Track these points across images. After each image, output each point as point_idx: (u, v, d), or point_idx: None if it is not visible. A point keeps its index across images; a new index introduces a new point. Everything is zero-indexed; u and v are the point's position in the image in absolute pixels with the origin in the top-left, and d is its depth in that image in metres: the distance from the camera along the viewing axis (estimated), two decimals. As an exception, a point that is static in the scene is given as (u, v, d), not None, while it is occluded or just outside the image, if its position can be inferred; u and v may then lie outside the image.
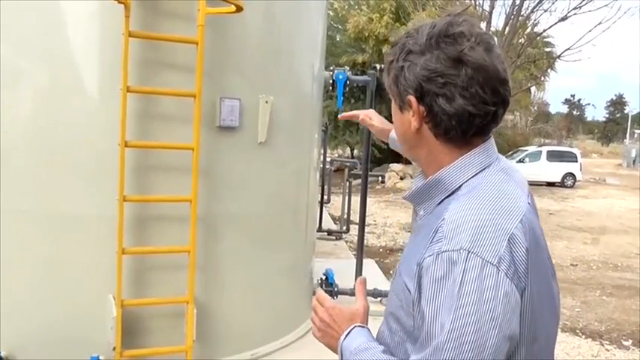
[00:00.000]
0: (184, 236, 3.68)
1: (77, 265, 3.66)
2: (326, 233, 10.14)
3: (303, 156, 4.79)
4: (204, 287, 3.92)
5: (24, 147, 3.60)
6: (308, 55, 4.81)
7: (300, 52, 4.63)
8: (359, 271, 5.53)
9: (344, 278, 5.54)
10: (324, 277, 5.45)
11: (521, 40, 16.02)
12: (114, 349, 3.53)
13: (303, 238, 4.93)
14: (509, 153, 27.84)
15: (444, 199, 1.27)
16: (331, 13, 25.22)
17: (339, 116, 2.35)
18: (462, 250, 1.10)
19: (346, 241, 10.19)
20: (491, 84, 1.20)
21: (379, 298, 5.53)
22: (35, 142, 3.60)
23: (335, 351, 1.40)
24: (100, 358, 3.61)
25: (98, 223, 3.59)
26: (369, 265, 7.43)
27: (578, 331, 5.77)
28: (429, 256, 1.14)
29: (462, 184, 1.26)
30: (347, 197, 10.69)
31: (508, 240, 1.13)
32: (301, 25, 4.58)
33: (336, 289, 5.44)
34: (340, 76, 5.21)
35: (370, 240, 10.98)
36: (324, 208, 11.63)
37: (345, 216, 10.65)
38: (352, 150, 30.28)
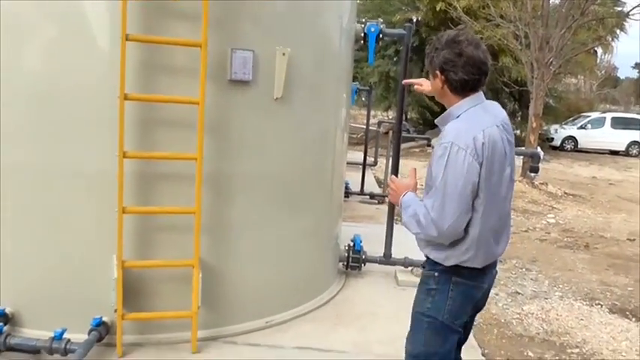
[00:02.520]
0: (192, 197, 3.46)
1: (81, 223, 3.52)
2: (368, 197, 9.83)
3: (327, 115, 4.47)
4: (213, 250, 3.72)
5: (25, 98, 3.43)
6: (335, 5, 4.44)
7: (325, 1, 4.26)
8: (389, 236, 5.22)
9: (377, 244, 5.26)
10: (351, 244, 5.18)
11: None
12: (115, 311, 3.39)
13: (326, 201, 4.65)
14: (571, 119, 26.55)
15: (451, 122, 2.43)
16: (386, -31, 24.36)
17: (403, 81, 3.30)
18: (449, 142, 2.29)
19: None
20: (477, 65, 2.38)
21: (410, 268, 5.23)
22: (36, 94, 3.42)
23: (397, 205, 2.60)
24: (104, 319, 3.49)
25: (101, 180, 3.42)
26: (405, 231, 7.10)
27: (628, 312, 5.31)
28: (437, 146, 2.33)
29: (460, 114, 2.42)
30: (392, 160, 10.29)
31: (473, 138, 2.28)
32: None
33: (363, 257, 5.16)
34: (372, 29, 4.81)
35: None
36: (368, 170, 11.34)
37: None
38: (405, 112, 29.63)
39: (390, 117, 28.82)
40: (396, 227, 5.64)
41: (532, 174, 11.92)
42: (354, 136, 21.72)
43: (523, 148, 13.59)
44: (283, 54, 3.75)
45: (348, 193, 9.79)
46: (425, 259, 2.59)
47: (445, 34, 2.43)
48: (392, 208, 5.31)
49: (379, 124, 13.26)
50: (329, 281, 4.79)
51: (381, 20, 5.03)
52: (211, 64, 3.48)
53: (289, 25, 3.89)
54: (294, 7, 3.92)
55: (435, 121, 2.54)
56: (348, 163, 11.37)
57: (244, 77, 3.64)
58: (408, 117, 29.29)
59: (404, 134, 16.26)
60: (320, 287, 4.60)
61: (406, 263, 5.19)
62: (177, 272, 3.58)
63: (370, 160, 12.59)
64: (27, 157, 3.45)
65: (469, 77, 2.37)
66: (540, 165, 17.74)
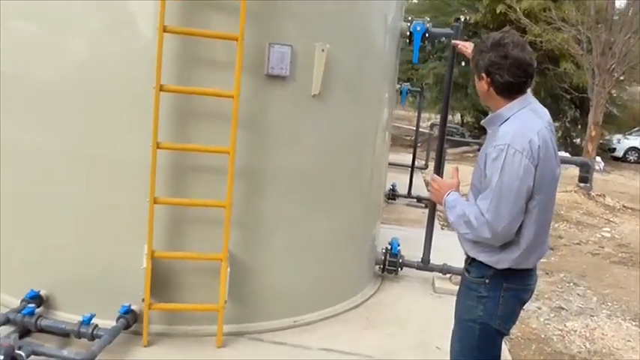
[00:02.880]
0: (225, 190, 3.44)
1: (116, 211, 3.56)
2: (415, 200, 9.67)
3: (366, 113, 4.38)
4: (244, 245, 3.71)
5: (69, 86, 3.49)
6: (379, 3, 4.35)
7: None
8: (428, 241, 5.09)
9: (418, 249, 5.14)
10: (389, 247, 5.07)
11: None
12: (143, 300, 3.41)
13: (363, 201, 4.56)
14: (635, 129, 25.45)
15: (501, 124, 2.41)
16: (446, -30, 23.98)
17: (452, 42, 3.94)
18: (505, 144, 2.29)
19: (437, 211, 9.66)
20: (523, 67, 2.37)
21: (448, 275, 5.08)
22: (78, 84, 3.48)
23: (440, 204, 2.59)
24: (133, 307, 3.52)
25: (136, 170, 3.44)
26: (447, 237, 6.92)
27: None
28: (491, 148, 2.33)
29: (509, 117, 2.41)
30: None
31: (529, 141, 2.29)
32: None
33: (400, 261, 5.05)
34: (418, 28, 4.69)
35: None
36: (418, 173, 11.14)
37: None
38: (462, 116, 29.06)
39: (445, 120, 28.42)
40: (438, 232, 5.51)
41: (581, 184, 11.49)
42: (408, 138, 21.49)
43: (570, 156, 13.13)
44: (322, 50, 3.69)
45: (395, 196, 9.67)
46: (466, 263, 2.58)
47: (490, 37, 2.44)
48: (432, 212, 5.18)
49: (432, 126, 13.03)
50: (363, 283, 4.70)
51: (427, 19, 4.90)
52: (249, 58, 3.45)
53: (330, 22, 3.83)
54: (335, 4, 3.86)
55: (482, 122, 2.57)
56: (397, 165, 11.41)
57: (281, 72, 3.60)
58: (465, 121, 28.78)
59: (457, 138, 15.96)
60: (352, 289, 4.52)
61: (444, 270, 5.04)
62: (207, 265, 3.57)
63: (421, 162, 12.40)
64: (68, 143, 3.52)
65: (515, 80, 2.37)
66: (599, 175, 17.13)
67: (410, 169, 10.18)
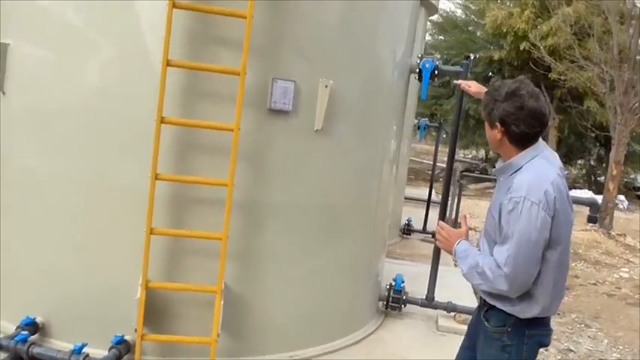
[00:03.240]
0: (222, 222, 3.46)
1: (114, 241, 3.59)
2: (430, 235, 9.57)
3: (371, 148, 4.39)
4: (241, 278, 3.70)
5: (73, 115, 3.57)
6: (389, 38, 4.40)
7: (377, 34, 4.23)
8: (433, 278, 5.02)
9: (425, 285, 5.08)
10: (393, 283, 5.02)
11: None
12: (135, 330, 3.41)
13: (367, 236, 4.55)
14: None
15: (513, 173, 2.43)
16: (472, 7, 24.13)
17: (455, 82, 3.67)
18: (521, 197, 2.29)
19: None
20: (538, 117, 2.38)
21: (453, 313, 5.00)
22: (84, 112, 3.55)
23: (450, 253, 2.62)
24: (126, 337, 3.52)
25: (135, 200, 3.47)
26: (454, 274, 6.82)
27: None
28: (506, 200, 2.33)
29: (522, 165, 2.42)
30: (455, 199, 10.01)
31: (544, 192, 2.29)
32: (381, 4, 4.15)
33: (404, 297, 4.99)
34: (427, 65, 4.72)
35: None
36: (435, 208, 11.04)
37: (453, 219, 9.97)
38: (487, 152, 28.92)
39: (466, 155, 28.28)
40: (445, 269, 5.44)
41: (590, 224, 11.27)
42: (429, 172, 21.39)
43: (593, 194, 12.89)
44: (326, 86, 3.72)
45: (410, 231, 9.58)
46: (483, 310, 2.57)
47: (504, 86, 2.44)
48: (438, 248, 5.12)
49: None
50: (364, 319, 4.65)
51: (437, 56, 4.93)
52: (252, 93, 3.50)
53: (335, 58, 3.87)
54: (341, 40, 3.91)
55: (494, 171, 2.59)
56: (415, 200, 11.33)
57: (284, 107, 3.64)
58: (488, 157, 28.63)
59: (477, 174, 15.84)
60: (354, 325, 4.47)
61: (449, 308, 4.96)
62: (202, 297, 3.57)
63: (439, 198, 12.31)
64: (69, 170, 3.58)
65: (530, 130, 2.39)
66: (622, 214, 16.78)
67: (426, 203, 10.10)
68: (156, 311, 3.53)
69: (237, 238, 3.58)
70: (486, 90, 2.54)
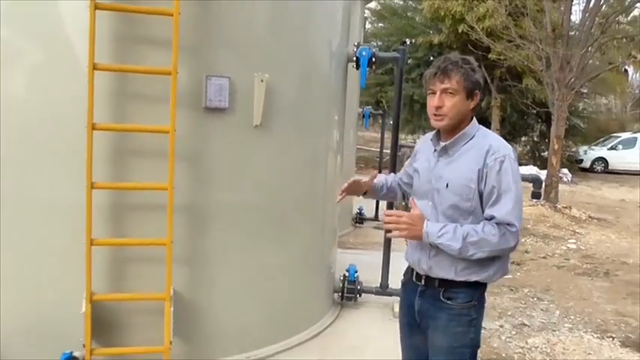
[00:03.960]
0: (167, 227, 3.37)
1: (54, 255, 3.44)
2: (382, 223, 9.64)
3: (315, 140, 4.35)
4: (190, 283, 3.62)
5: (2, 126, 3.39)
6: (323, 29, 4.36)
7: (310, 25, 4.19)
8: (386, 266, 5.05)
9: (376, 273, 5.08)
10: (346, 274, 5.01)
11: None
12: (83, 346, 3.29)
13: (316, 229, 4.52)
14: (600, 140, 25.95)
15: (466, 142, 2.48)
16: (409, -7, 24.39)
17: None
18: (504, 155, 2.38)
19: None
20: None
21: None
22: (6, 123, 3.38)
23: (419, 238, 2.43)
24: (75, 354, 3.39)
25: (73, 212, 3.33)
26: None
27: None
28: (491, 162, 2.38)
29: (474, 134, 2.49)
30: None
31: (511, 149, 2.44)
32: (312, -4, 4.11)
33: (358, 287, 4.99)
34: (364, 53, 4.70)
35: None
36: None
37: (403, 204, 10.06)
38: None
39: (415, 139, 28.61)
40: (395, 255, 5.46)
41: (534, 200, 11.61)
42: (378, 159, 21.54)
43: (539, 169, 13.23)
44: (262, 80, 3.66)
45: (362, 219, 9.63)
46: (444, 292, 2.48)
47: (467, 57, 2.51)
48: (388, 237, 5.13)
49: (399, 147, 13.07)
50: (320, 313, 4.63)
51: (374, 44, 4.93)
52: (186, 92, 3.42)
53: (269, 51, 3.81)
54: (274, 33, 3.85)
55: (447, 145, 2.50)
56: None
57: (220, 104, 3.56)
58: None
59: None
60: (309, 319, 4.44)
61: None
62: (152, 305, 3.47)
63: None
64: (2, 185, 3.41)
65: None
66: (567, 187, 17.30)
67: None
68: (104, 324, 3.42)
69: (182, 243, 3.50)
70: (454, 61, 2.43)
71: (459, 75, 2.41)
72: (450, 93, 2.42)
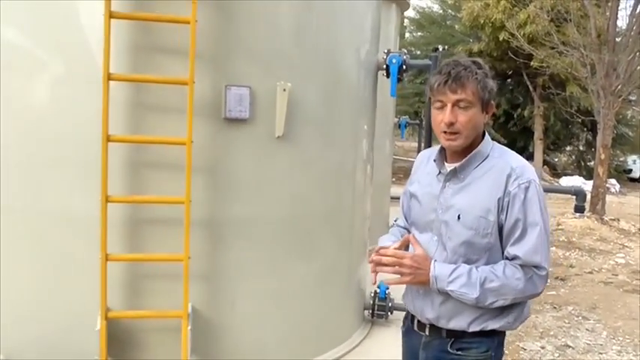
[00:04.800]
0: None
1: (70, 270, 3.36)
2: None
3: (342, 150, 4.17)
4: (209, 300, 3.49)
5: (13, 139, 3.34)
6: (350, 36, 4.20)
7: (337, 32, 4.03)
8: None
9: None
10: (377, 290, 4.80)
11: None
12: (98, 364, 3.19)
13: (344, 243, 4.33)
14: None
15: (480, 164, 2.06)
16: (448, 1, 24.08)
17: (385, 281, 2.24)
18: (529, 180, 1.99)
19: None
20: None
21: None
22: (25, 136, 3.33)
23: (426, 284, 2.03)
24: (91, 372, 3.29)
25: (89, 226, 3.24)
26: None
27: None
28: (514, 189, 1.98)
29: (489, 151, 2.08)
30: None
31: (534, 171, 2.08)
32: (338, 2, 3.96)
33: (389, 304, 4.77)
34: (394, 60, 4.53)
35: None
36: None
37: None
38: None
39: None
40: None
41: (577, 214, 11.12)
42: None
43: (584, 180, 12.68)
44: (284, 90, 3.52)
45: (398, 231, 9.38)
46: (456, 343, 2.11)
47: (478, 61, 2.08)
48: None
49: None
50: (349, 331, 4.43)
51: (404, 51, 4.74)
52: (204, 102, 3.31)
53: (292, 59, 3.67)
54: (297, 41, 3.72)
55: (459, 165, 2.07)
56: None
57: (240, 115, 3.43)
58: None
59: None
60: (336, 338, 4.25)
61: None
62: (168, 323, 3.35)
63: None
64: (16, 199, 3.35)
65: None
66: (615, 198, 16.64)
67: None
68: (120, 341, 3.31)
69: (200, 258, 3.37)
70: (467, 66, 2.01)
71: (474, 83, 1.99)
72: (464, 106, 1.99)
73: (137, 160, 3.30)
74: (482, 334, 2.08)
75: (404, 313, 2.36)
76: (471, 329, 2.07)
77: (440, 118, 2.02)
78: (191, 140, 3.16)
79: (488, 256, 2.04)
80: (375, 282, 2.20)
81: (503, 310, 2.06)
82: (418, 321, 2.23)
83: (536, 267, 1.98)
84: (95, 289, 3.19)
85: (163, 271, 3.39)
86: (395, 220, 2.50)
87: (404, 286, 2.23)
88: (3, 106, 3.32)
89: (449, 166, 2.11)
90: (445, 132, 2.02)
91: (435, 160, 2.17)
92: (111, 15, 3.02)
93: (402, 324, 2.41)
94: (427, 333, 2.19)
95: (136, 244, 3.35)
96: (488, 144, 2.10)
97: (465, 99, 1.98)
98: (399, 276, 2.06)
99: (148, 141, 3.23)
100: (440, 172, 2.14)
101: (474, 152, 2.07)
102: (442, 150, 2.17)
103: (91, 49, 3.23)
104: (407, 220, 2.35)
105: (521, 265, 1.98)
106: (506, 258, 2.02)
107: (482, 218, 2.00)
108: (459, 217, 2.03)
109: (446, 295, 2.05)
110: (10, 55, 3.32)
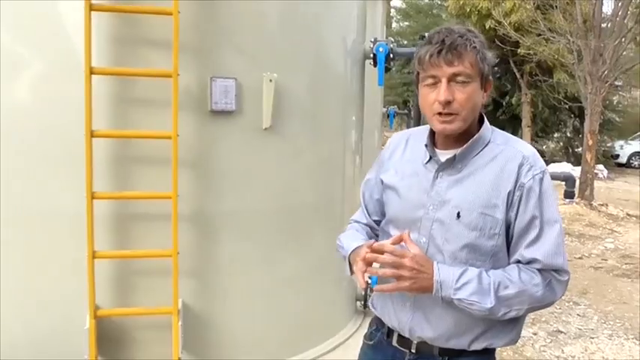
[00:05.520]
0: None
1: (57, 269, 3.30)
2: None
3: (330, 141, 4.14)
4: (199, 295, 3.45)
5: (2, 135, 3.27)
6: (337, 25, 4.16)
7: (323, 21, 3.98)
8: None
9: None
10: (369, 280, 4.77)
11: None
12: (88, 363, 3.15)
13: (333, 235, 4.22)
14: (637, 134, 25.14)
15: (480, 151, 1.77)
16: (434, -10, 24.05)
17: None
18: (541, 170, 1.72)
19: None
20: None
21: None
22: (8, 134, 3.25)
23: (428, 291, 1.67)
24: (81, 371, 3.25)
25: (75, 223, 3.18)
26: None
27: None
28: (528, 181, 1.70)
29: (490, 136, 1.79)
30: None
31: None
32: (324, -10, 3.91)
33: (381, 294, 4.74)
34: (381, 49, 4.48)
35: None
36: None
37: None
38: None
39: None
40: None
41: (567, 199, 11.18)
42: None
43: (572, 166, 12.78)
44: (270, 80, 3.47)
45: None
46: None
47: (472, 29, 1.79)
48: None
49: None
50: (341, 323, 4.41)
51: (391, 40, 4.70)
52: (189, 95, 3.26)
53: (278, 50, 3.61)
54: (283, 31, 3.66)
55: (459, 152, 1.77)
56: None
57: (226, 107, 3.38)
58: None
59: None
60: (329, 330, 4.23)
61: (429, 301, 4.75)
62: (159, 319, 3.31)
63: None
64: (1, 198, 3.29)
65: None
66: (603, 183, 16.75)
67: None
68: (110, 339, 3.27)
69: (190, 253, 3.33)
70: (463, 34, 1.70)
71: (473, 53, 1.67)
72: (463, 81, 1.67)
73: (122, 155, 3.25)
74: (481, 351, 1.82)
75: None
76: (472, 348, 1.80)
77: (433, 96, 1.70)
78: (177, 134, 3.11)
79: (493, 262, 1.75)
80: (366, 285, 1.79)
81: (509, 324, 1.79)
82: (399, 334, 1.92)
83: (557, 271, 1.71)
84: (83, 288, 3.15)
85: (151, 268, 3.34)
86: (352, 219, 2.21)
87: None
88: (-16, 103, 3.25)
89: (442, 154, 1.81)
90: (440, 113, 1.70)
91: (426, 145, 1.84)
92: (91, 7, 2.95)
93: (367, 334, 2.09)
94: (413, 350, 1.88)
95: (124, 240, 3.29)
96: (488, 128, 1.82)
97: (464, 72, 1.67)
98: (393, 280, 1.71)
99: (133, 135, 3.18)
100: (431, 158, 1.83)
101: (475, 137, 1.77)
102: (432, 134, 1.85)
103: (73, 42, 3.16)
104: (370, 216, 2.11)
105: (539, 270, 1.70)
106: (518, 261, 1.74)
107: (487, 216, 1.71)
108: (458, 215, 1.73)
109: (445, 307, 1.74)
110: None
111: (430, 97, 1.72)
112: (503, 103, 22.14)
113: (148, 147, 3.26)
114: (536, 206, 1.69)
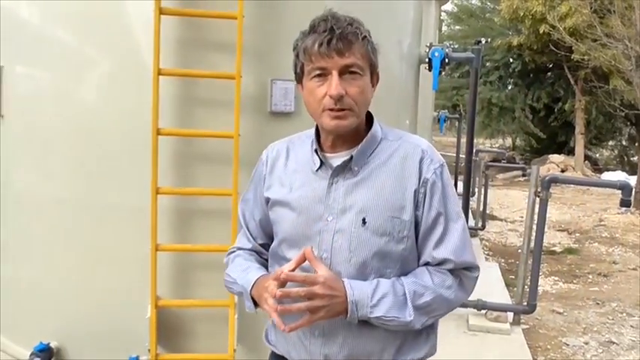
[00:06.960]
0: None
1: (122, 260, 3.48)
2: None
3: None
4: (255, 290, 3.55)
5: (71, 132, 3.48)
6: (392, 29, 4.22)
7: (379, 25, 4.03)
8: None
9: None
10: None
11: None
12: (149, 350, 3.30)
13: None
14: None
15: (374, 150, 1.66)
16: (487, -6, 23.76)
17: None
18: (440, 164, 1.64)
19: (481, 239, 9.29)
20: None
21: (484, 311, 4.78)
22: (81, 129, 3.45)
23: (342, 314, 1.51)
24: (141, 358, 3.40)
25: (139, 217, 3.34)
26: (491, 270, 6.60)
27: None
28: (431, 175, 1.61)
29: (380, 130, 1.72)
30: (482, 190, 9.76)
31: None
32: (381, -4, 3.98)
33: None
34: (436, 53, 4.53)
35: (510, 239, 9.87)
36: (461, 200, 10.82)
37: (481, 211, 9.71)
38: (513, 140, 28.36)
39: (493, 144, 27.78)
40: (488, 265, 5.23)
41: (623, 208, 10.84)
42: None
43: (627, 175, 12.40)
44: (328, 83, 3.56)
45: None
46: None
47: (355, 17, 1.71)
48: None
49: (476, 152, 12.69)
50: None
51: (447, 44, 4.74)
52: (251, 96, 3.37)
53: (336, 53, 3.70)
54: (341, 34, 3.74)
55: (356, 153, 1.64)
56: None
57: (286, 108, 3.48)
58: (516, 145, 28.09)
59: (503, 163, 15.52)
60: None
61: (479, 306, 4.77)
62: (215, 312, 3.44)
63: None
64: (69, 192, 3.49)
65: None
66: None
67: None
68: (169, 329, 3.41)
69: (247, 249, 3.45)
70: (350, 23, 1.66)
71: (364, 43, 1.61)
72: (355, 72, 1.58)
73: (185, 153, 3.39)
74: None
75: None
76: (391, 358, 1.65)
77: (322, 91, 1.58)
78: (238, 134, 3.23)
79: (402, 267, 1.62)
80: (287, 329, 1.52)
81: (422, 333, 1.69)
82: None
83: (468, 268, 1.64)
84: (144, 279, 3.30)
85: (210, 262, 3.46)
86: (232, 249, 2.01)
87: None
88: (55, 102, 3.46)
89: (332, 158, 1.66)
90: (332, 109, 1.57)
91: (316, 151, 1.69)
92: (161, 11, 3.10)
93: None
94: None
95: (185, 235, 3.44)
96: (377, 124, 1.72)
97: (355, 63, 1.58)
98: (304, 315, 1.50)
99: (196, 134, 3.31)
100: (322, 165, 1.67)
101: (369, 135, 1.66)
102: (318, 137, 1.72)
103: (139, 44, 3.33)
104: (255, 240, 1.91)
105: (450, 271, 1.61)
106: (427, 263, 1.63)
107: (395, 219, 1.58)
108: (364, 222, 1.57)
109: (359, 326, 1.57)
110: (61, 53, 3.45)
111: (319, 92, 1.59)
112: (556, 110, 21.70)
113: (209, 146, 3.39)
114: (440, 202, 1.59)
